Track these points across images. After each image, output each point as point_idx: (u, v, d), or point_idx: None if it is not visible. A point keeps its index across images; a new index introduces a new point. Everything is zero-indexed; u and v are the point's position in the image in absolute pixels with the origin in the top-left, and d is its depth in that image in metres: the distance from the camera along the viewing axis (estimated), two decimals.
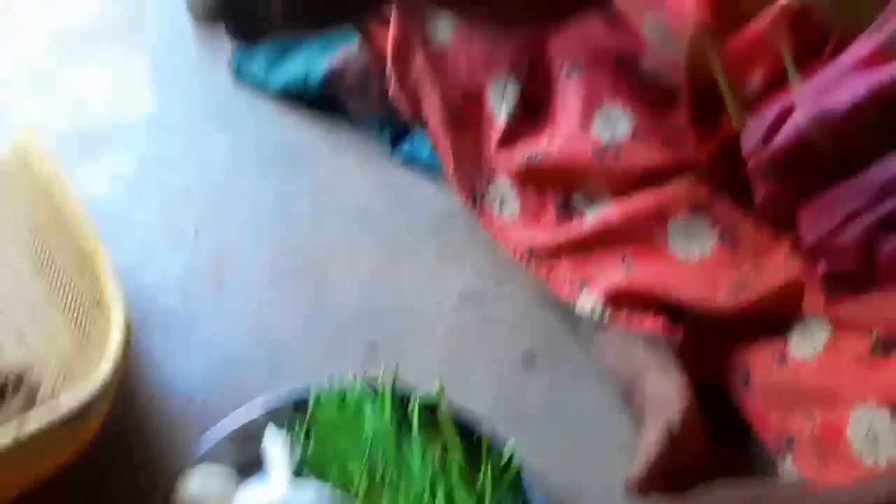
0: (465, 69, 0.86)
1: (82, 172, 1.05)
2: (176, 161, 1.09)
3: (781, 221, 0.70)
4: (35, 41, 1.27)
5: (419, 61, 0.88)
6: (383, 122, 1.02)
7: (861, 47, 0.57)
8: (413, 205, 1.02)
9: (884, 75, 0.56)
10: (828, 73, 0.60)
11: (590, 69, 0.78)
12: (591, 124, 0.78)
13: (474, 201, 0.90)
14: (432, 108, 0.89)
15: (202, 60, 1.22)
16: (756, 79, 0.67)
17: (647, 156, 0.75)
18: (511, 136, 0.84)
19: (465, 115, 0.88)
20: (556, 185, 0.81)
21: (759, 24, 0.64)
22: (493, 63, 0.84)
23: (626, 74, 0.77)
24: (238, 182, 1.07)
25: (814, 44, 0.63)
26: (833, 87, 0.59)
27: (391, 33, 0.89)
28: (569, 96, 0.81)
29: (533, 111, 0.84)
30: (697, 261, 0.73)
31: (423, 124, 0.93)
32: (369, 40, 0.98)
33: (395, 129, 1.02)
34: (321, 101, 1.08)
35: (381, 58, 0.93)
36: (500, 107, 0.84)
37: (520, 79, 0.83)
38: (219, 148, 1.10)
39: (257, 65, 1.12)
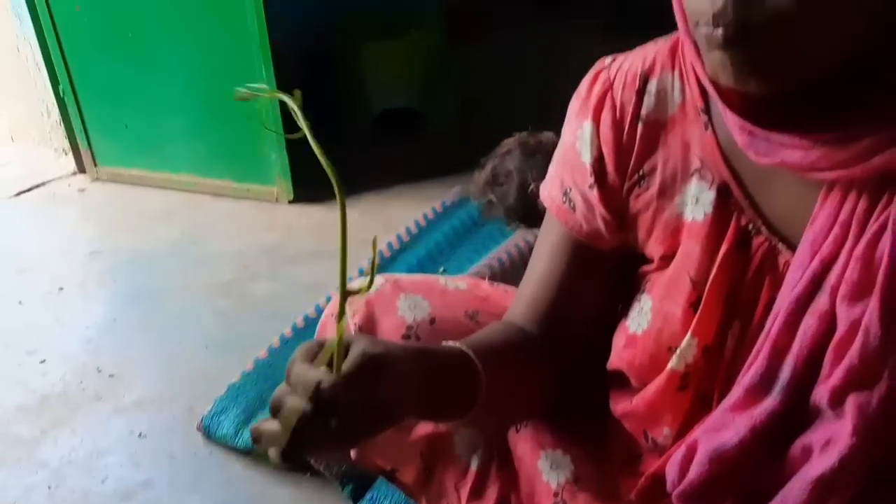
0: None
1: None
2: None
3: None
4: (16, 408, 1.34)
5: None
6: (346, 477, 1.06)
7: (736, 392, 0.66)
8: None
9: (757, 412, 0.64)
10: (717, 415, 0.67)
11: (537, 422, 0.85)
12: (539, 471, 0.83)
13: None
14: (403, 460, 0.93)
15: (176, 420, 1.29)
16: (665, 431, 0.73)
17: None
18: (481, 486, 0.87)
19: (432, 456, 0.92)
20: None
21: (654, 386, 0.71)
22: None
23: (565, 426, 0.84)
24: None
25: (704, 394, 0.70)
26: (722, 427, 0.66)
27: None
28: (519, 443, 0.87)
29: (498, 458, 0.89)
30: None
31: (387, 474, 0.96)
32: None
33: (357, 484, 1.05)
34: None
35: None
36: (468, 454, 0.89)
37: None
38: None
39: (226, 427, 1.18)
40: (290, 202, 2.07)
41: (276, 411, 0.56)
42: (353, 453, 0.94)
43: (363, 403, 0.57)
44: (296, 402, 0.54)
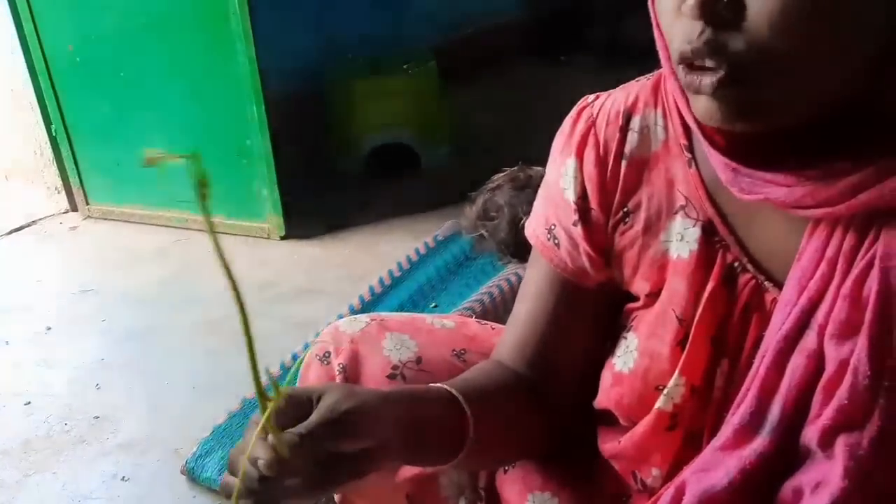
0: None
1: None
2: None
3: None
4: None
5: None
6: None
7: (725, 432, 0.64)
8: None
9: (747, 452, 0.62)
10: (706, 455, 0.66)
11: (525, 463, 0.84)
12: None
13: None
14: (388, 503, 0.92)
15: (160, 463, 1.26)
16: (654, 472, 0.71)
17: None
18: None
19: (418, 498, 0.90)
20: None
21: (643, 426, 0.70)
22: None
23: (553, 467, 0.82)
24: None
25: (693, 434, 0.69)
26: (712, 468, 0.64)
27: None
28: (506, 484, 0.85)
29: (486, 500, 0.87)
30: None
31: None
32: None
33: None
34: None
35: None
36: (455, 496, 0.87)
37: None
38: None
39: (210, 470, 1.16)
40: (281, 238, 2.07)
41: (233, 469, 0.56)
42: (336, 496, 0.92)
43: (330, 456, 0.57)
44: (247, 465, 0.55)
